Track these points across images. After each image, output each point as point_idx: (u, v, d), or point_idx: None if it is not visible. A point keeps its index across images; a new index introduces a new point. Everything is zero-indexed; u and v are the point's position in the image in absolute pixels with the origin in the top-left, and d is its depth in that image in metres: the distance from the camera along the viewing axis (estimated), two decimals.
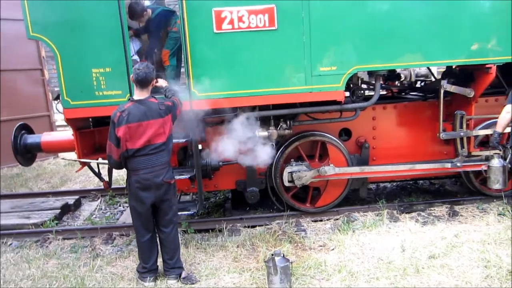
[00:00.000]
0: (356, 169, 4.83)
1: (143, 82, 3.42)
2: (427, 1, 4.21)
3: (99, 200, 6.40)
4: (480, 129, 4.90)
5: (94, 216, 5.82)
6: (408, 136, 5.19)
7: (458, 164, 4.81)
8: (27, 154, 4.72)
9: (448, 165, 4.80)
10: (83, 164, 4.49)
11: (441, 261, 3.72)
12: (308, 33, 4.16)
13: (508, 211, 4.73)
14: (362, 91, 4.75)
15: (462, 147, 4.86)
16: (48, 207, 5.79)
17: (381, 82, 4.89)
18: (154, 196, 3.48)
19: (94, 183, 7.33)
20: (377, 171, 4.87)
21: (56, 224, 5.36)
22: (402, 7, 4.21)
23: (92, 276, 3.81)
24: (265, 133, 4.47)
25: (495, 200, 5.12)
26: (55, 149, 4.83)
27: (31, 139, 4.69)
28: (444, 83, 4.63)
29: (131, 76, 3.49)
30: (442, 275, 3.50)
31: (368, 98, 4.75)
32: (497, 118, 4.24)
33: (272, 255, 3.41)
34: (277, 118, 4.62)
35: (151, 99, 3.50)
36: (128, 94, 4.08)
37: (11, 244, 4.81)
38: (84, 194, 6.59)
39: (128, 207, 3.74)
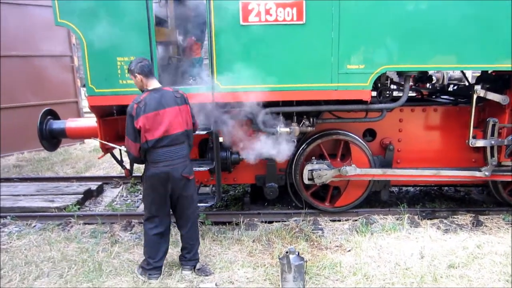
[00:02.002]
0: (378, 171, 4.70)
1: (150, 72, 3.45)
2: (464, 0, 4.02)
3: (121, 187, 6.52)
4: None
5: (115, 202, 5.92)
6: (435, 140, 5.00)
7: (487, 173, 4.61)
8: (52, 139, 4.83)
9: (477, 174, 4.60)
10: (106, 151, 4.55)
11: (460, 272, 3.59)
12: (337, 29, 4.05)
13: None
14: (389, 92, 4.59)
15: (492, 156, 4.64)
16: (72, 191, 5.92)
17: (411, 83, 4.71)
18: (172, 190, 3.45)
19: (117, 170, 7.47)
20: (401, 175, 4.72)
21: (78, 209, 5.47)
22: (437, 6, 4.02)
23: (110, 262, 3.87)
24: (287, 130, 4.40)
25: None
26: (79, 135, 4.91)
27: (56, 125, 4.79)
28: (477, 88, 4.42)
29: (135, 72, 3.43)
30: (461, 286, 3.37)
31: (395, 99, 4.60)
32: None
33: (287, 252, 3.36)
34: (300, 115, 4.55)
35: (165, 88, 3.51)
36: None
37: (34, 226, 4.95)
38: (107, 180, 6.72)
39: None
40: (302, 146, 4.79)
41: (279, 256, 3.69)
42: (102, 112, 4.41)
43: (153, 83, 3.48)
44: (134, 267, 3.73)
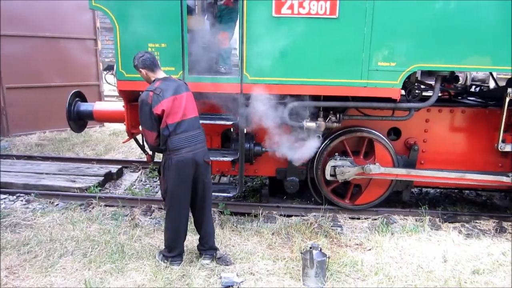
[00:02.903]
0: (402, 171, 4.65)
1: (154, 63, 3.48)
2: (500, 1, 3.90)
3: (140, 172, 6.60)
4: None
5: (134, 186, 6.00)
6: (461, 142, 4.92)
7: None
8: (79, 121, 4.90)
9: (504, 179, 4.52)
10: (131, 136, 4.60)
11: (486, 278, 3.54)
12: (370, 24, 3.98)
13: None
14: (419, 91, 4.52)
15: None
16: (93, 173, 6.02)
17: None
18: (194, 176, 3.46)
19: (136, 154, 7.56)
20: (425, 176, 4.66)
21: (99, 190, 5.56)
22: (472, 6, 3.92)
23: (131, 245, 3.93)
24: (313, 124, 4.37)
25: None
26: (106, 118, 4.98)
27: (84, 107, 4.85)
28: (510, 91, 4.32)
29: (139, 67, 3.47)
30: None
31: (423, 98, 4.52)
32: None
33: (310, 248, 3.36)
34: (326, 110, 4.51)
35: (172, 76, 3.58)
36: (181, 72, 4.11)
37: (57, 204, 5.05)
38: (126, 164, 6.81)
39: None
40: (326, 142, 4.76)
41: (301, 251, 3.70)
42: (130, 97, 4.45)
43: (160, 74, 3.52)
44: (155, 252, 3.79)
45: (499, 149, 4.53)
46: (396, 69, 4.08)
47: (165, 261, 3.58)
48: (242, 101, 4.13)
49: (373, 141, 4.72)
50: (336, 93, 4.18)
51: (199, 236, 3.74)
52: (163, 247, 3.69)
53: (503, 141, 4.52)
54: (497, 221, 4.80)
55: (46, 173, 5.94)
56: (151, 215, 4.80)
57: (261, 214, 4.79)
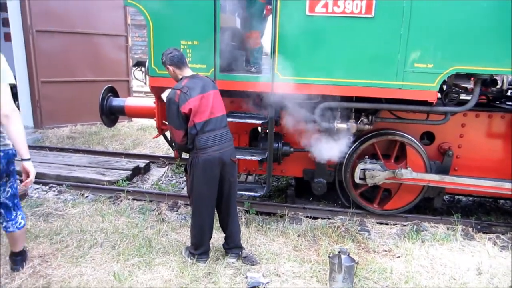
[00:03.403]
0: (435, 177, 4.49)
1: (182, 61, 3.45)
2: None
3: (167, 167, 6.67)
4: None
5: (161, 182, 6.07)
6: (498, 150, 4.71)
7: None
8: (111, 115, 4.99)
9: None
10: (161, 132, 4.64)
11: None
12: (407, 24, 3.86)
13: None
14: (457, 94, 4.36)
15: None
16: (121, 167, 6.13)
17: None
18: (221, 175, 3.44)
19: (162, 150, 7.64)
20: (460, 183, 4.48)
21: (128, 184, 5.66)
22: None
23: (158, 240, 3.97)
24: (344, 126, 4.29)
25: None
26: (137, 114, 5.05)
27: (116, 102, 4.94)
28: None
29: (167, 64, 3.45)
30: None
31: (460, 102, 4.36)
32: None
33: (339, 252, 3.29)
34: (357, 112, 4.41)
35: (199, 74, 3.55)
36: (213, 69, 4.12)
37: (87, 196, 5.17)
38: (153, 159, 6.90)
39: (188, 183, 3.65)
40: (356, 144, 4.65)
41: (328, 254, 3.63)
42: (161, 93, 4.49)
43: (187, 72, 3.50)
44: (182, 248, 3.80)
45: None
46: (433, 71, 3.94)
47: (191, 257, 3.59)
48: (272, 100, 4.09)
49: (405, 145, 4.59)
50: (369, 95, 4.08)
51: (224, 234, 3.74)
52: (190, 244, 3.70)
53: None
54: None
55: (77, 165, 6.10)
56: (177, 211, 4.84)
57: (287, 215, 4.74)
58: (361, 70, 4.01)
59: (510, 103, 5.27)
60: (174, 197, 5.14)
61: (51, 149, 7.14)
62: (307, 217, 4.79)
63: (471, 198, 5.80)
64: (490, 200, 5.73)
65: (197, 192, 3.45)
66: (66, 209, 4.66)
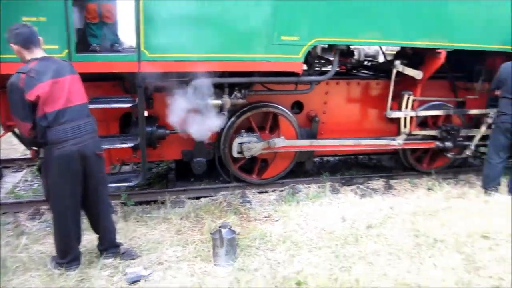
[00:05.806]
0: (305, 142, 4.86)
1: (31, 40, 2.91)
2: None
3: (24, 171, 5.80)
4: (422, 110, 5.15)
5: (18, 188, 5.24)
6: (356, 112, 5.31)
7: (400, 142, 5.04)
8: None
9: (394, 142, 5.02)
10: (7, 129, 3.90)
11: (377, 231, 3.89)
12: None
13: (436, 186, 5.12)
14: (319, 65, 4.68)
15: (405, 126, 5.08)
16: None
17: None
18: (84, 172, 3.05)
19: (19, 151, 6.60)
20: (326, 145, 4.95)
21: None
22: None
23: (16, 257, 3.39)
24: (219, 102, 4.26)
25: (424, 176, 5.51)
26: None
27: None
28: (397, 63, 4.74)
29: (10, 42, 2.92)
30: (378, 244, 3.67)
31: (323, 72, 4.71)
32: (438, 101, 4.55)
33: (220, 227, 3.33)
34: (231, 86, 4.41)
35: (53, 56, 3.07)
36: (67, 50, 3.57)
37: None
38: (6, 164, 5.89)
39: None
40: (232, 119, 4.69)
41: (210, 231, 3.63)
42: (3, 83, 3.73)
43: (39, 53, 2.97)
44: (47, 260, 3.33)
45: (387, 116, 4.98)
46: (298, 43, 4.16)
47: (59, 267, 3.15)
48: (140, 81, 3.78)
49: (278, 115, 4.80)
50: (239, 69, 4.12)
51: (98, 235, 3.37)
52: (55, 253, 3.25)
53: (390, 109, 4.98)
54: (385, 180, 5.38)
55: None
56: (40, 218, 4.24)
57: (169, 200, 4.58)
58: (232, 44, 4.00)
59: (365, 71, 5.93)
60: (35, 204, 4.45)
61: None
62: (189, 198, 4.74)
63: (337, 158, 6.49)
64: (352, 157, 6.50)
65: (55, 192, 3.03)
66: None
